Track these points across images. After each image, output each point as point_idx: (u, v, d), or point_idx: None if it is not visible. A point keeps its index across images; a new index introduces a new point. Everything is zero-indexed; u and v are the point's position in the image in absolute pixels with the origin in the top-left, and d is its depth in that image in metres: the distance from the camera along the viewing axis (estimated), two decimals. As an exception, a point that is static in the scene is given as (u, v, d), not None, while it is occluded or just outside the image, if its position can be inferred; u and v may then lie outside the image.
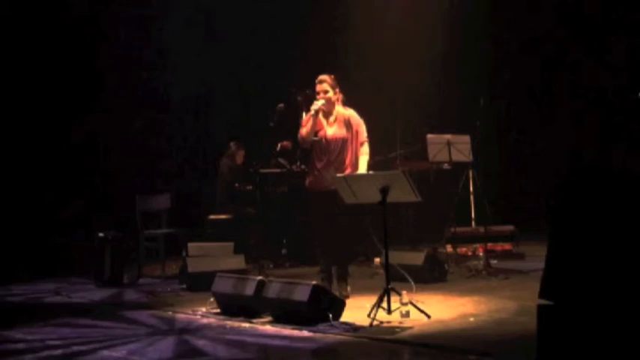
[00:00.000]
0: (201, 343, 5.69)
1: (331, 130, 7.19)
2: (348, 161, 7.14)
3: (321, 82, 7.20)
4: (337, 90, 7.22)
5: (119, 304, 7.63)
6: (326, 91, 7.15)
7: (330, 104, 7.19)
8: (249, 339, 5.74)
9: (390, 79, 11.34)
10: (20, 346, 5.81)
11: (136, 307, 7.32)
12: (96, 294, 8.23)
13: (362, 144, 7.18)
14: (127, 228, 9.36)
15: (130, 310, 7.17)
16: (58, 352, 5.59)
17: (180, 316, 6.73)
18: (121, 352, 5.48)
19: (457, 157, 8.90)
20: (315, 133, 7.17)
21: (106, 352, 5.48)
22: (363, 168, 7.08)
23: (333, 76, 7.23)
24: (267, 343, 5.59)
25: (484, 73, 11.58)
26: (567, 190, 3.80)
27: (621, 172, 3.80)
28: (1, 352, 5.63)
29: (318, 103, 7.09)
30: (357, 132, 7.17)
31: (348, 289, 7.16)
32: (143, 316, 6.83)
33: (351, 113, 7.24)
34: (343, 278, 7.18)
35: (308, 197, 7.39)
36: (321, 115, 7.22)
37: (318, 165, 7.20)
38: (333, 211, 7.02)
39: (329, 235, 7.16)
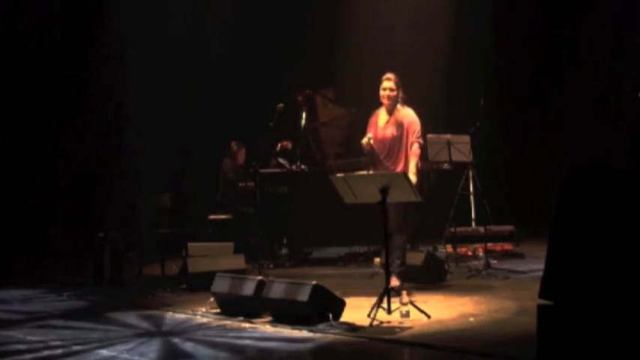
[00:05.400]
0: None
1: (383, 131, 7.35)
2: (401, 162, 7.25)
3: (389, 79, 7.32)
4: (401, 89, 7.33)
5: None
6: (392, 89, 7.29)
7: (392, 103, 7.31)
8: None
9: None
10: (19, 347, 5.78)
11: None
12: (92, 294, 8.24)
13: (412, 144, 7.25)
14: (127, 228, 9.35)
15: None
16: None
17: (179, 316, 6.72)
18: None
19: (457, 157, 8.90)
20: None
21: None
22: (411, 171, 7.12)
23: (397, 75, 7.33)
24: (267, 343, 5.58)
25: (484, 74, 11.58)
26: (567, 189, 3.80)
27: (621, 171, 3.80)
28: (1, 352, 5.61)
29: (365, 140, 7.23)
30: (407, 131, 7.25)
31: (397, 283, 7.05)
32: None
33: (406, 113, 7.34)
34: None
35: None
36: (383, 112, 7.40)
37: (375, 164, 7.38)
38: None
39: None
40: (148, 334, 6.07)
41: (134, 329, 6.27)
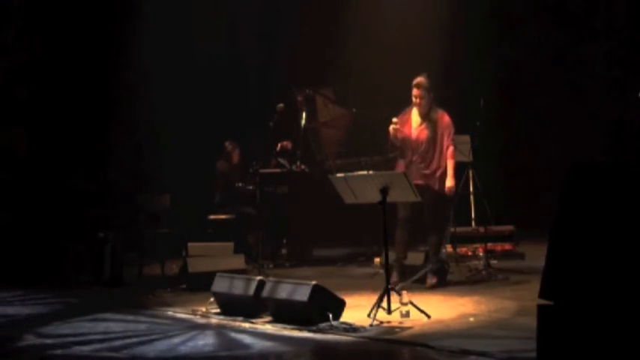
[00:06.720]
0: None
1: (418, 132, 7.44)
2: (435, 162, 7.40)
3: (419, 86, 7.38)
4: (433, 91, 7.41)
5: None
6: (422, 97, 7.36)
7: (425, 106, 7.39)
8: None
9: (389, 78, 11.32)
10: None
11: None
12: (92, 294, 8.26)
13: (447, 147, 7.39)
14: (127, 228, 9.34)
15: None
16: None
17: (180, 315, 6.72)
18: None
19: (457, 157, 8.88)
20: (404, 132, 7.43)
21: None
22: (450, 174, 7.34)
23: (427, 78, 7.38)
24: (268, 342, 5.59)
25: (484, 73, 11.58)
26: (567, 189, 3.80)
27: (622, 170, 3.80)
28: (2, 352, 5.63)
29: (392, 125, 7.27)
30: (442, 134, 7.38)
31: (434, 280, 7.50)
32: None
33: (441, 115, 7.44)
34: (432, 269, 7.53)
35: None
36: (415, 113, 7.47)
37: (404, 161, 7.47)
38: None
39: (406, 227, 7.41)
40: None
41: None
